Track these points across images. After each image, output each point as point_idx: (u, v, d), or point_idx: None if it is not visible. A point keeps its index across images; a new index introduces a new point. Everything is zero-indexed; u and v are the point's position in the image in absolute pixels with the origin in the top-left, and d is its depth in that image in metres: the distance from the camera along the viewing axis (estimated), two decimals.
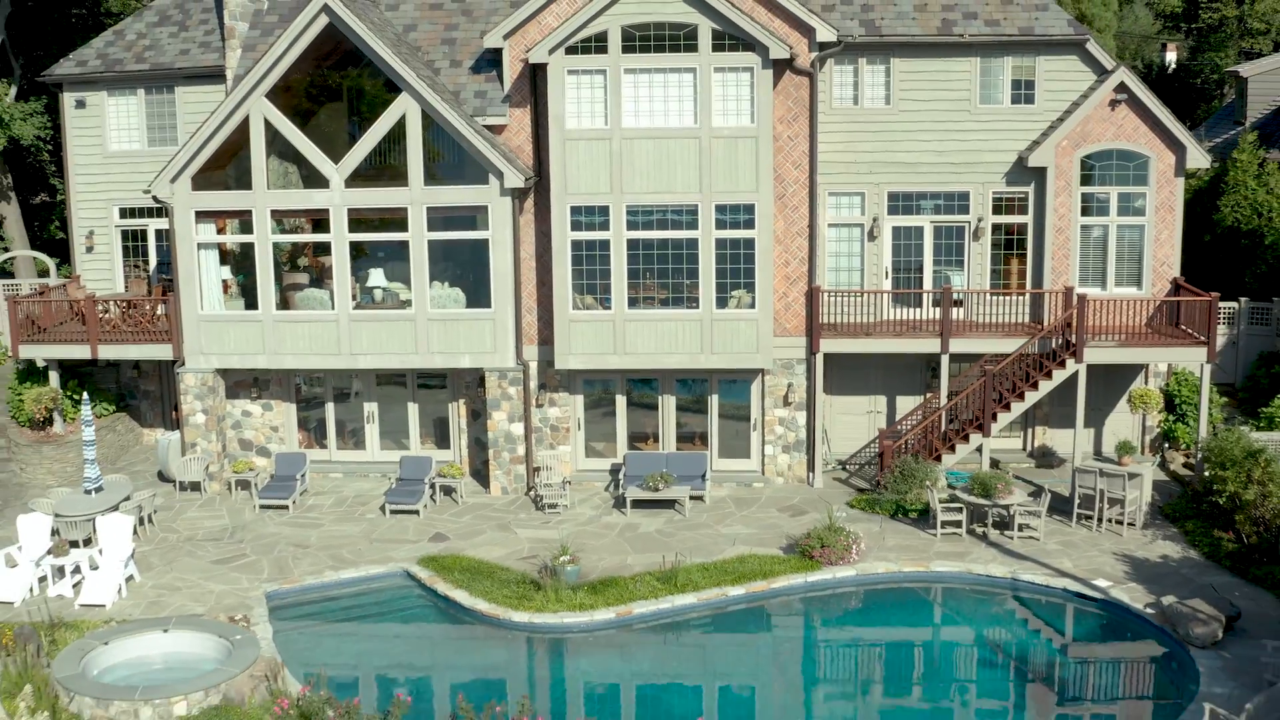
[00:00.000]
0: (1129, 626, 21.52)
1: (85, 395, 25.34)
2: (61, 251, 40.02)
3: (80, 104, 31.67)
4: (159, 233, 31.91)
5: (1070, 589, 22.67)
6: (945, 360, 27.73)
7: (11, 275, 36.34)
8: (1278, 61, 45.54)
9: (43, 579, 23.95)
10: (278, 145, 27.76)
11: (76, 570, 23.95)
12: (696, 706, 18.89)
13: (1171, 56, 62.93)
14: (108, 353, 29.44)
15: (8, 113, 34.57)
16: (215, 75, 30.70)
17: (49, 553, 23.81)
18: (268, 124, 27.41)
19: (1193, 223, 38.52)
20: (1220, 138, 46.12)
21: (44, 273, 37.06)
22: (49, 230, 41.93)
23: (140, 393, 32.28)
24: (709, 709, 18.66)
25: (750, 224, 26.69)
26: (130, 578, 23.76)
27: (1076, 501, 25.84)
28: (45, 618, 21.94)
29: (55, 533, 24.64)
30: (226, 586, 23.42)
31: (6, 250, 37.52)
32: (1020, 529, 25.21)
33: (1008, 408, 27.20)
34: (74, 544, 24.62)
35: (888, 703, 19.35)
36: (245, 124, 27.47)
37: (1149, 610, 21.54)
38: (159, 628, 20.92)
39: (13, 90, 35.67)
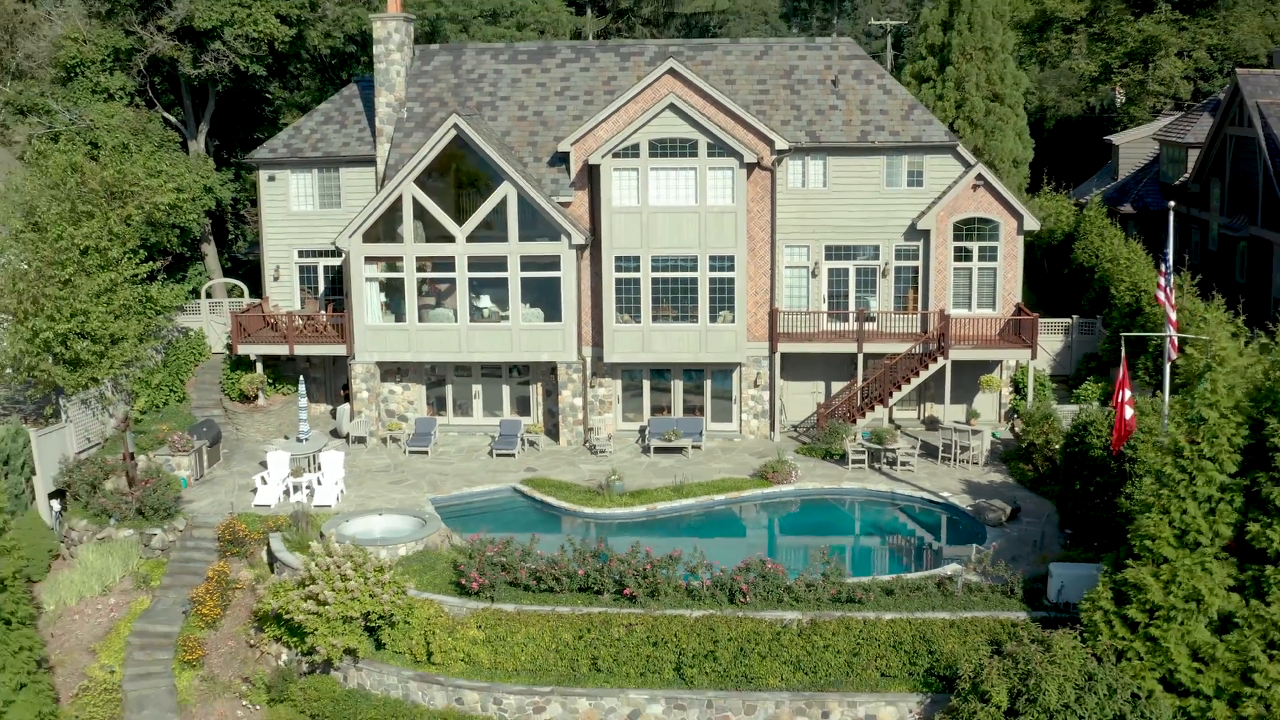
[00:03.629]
0: (955, 515, 35.77)
1: (301, 378, 39.63)
2: (250, 279, 53.90)
3: (271, 178, 45.93)
4: (327, 268, 46.17)
5: (926, 497, 36.90)
6: (861, 358, 41.95)
7: (210, 296, 50.45)
8: (1141, 133, 59.83)
9: (285, 492, 38.06)
10: (417, 211, 41.96)
11: (308, 486, 38.09)
12: (692, 552, 32.98)
13: (1121, 96, 76.18)
14: (301, 350, 43.74)
15: (213, 181, 48.83)
16: (366, 161, 44.95)
17: (291, 474, 38.07)
18: (414, 200, 41.65)
19: (1057, 259, 52.80)
20: (1101, 189, 60.41)
21: (237, 294, 51.20)
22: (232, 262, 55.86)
23: (310, 378, 46.43)
24: (702, 552, 32.62)
25: (731, 268, 40.90)
26: (341, 491, 37.92)
27: (941, 448, 40.04)
28: (291, 513, 36.08)
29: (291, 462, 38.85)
30: (402, 496, 37.65)
31: (209, 279, 51.70)
32: (902, 464, 39.37)
33: (899, 388, 41.42)
34: (303, 470, 38.81)
35: (812, 550, 33.43)
36: (399, 200, 41.69)
37: (968, 507, 35.76)
38: (374, 513, 35.23)
39: (211, 164, 49.84)
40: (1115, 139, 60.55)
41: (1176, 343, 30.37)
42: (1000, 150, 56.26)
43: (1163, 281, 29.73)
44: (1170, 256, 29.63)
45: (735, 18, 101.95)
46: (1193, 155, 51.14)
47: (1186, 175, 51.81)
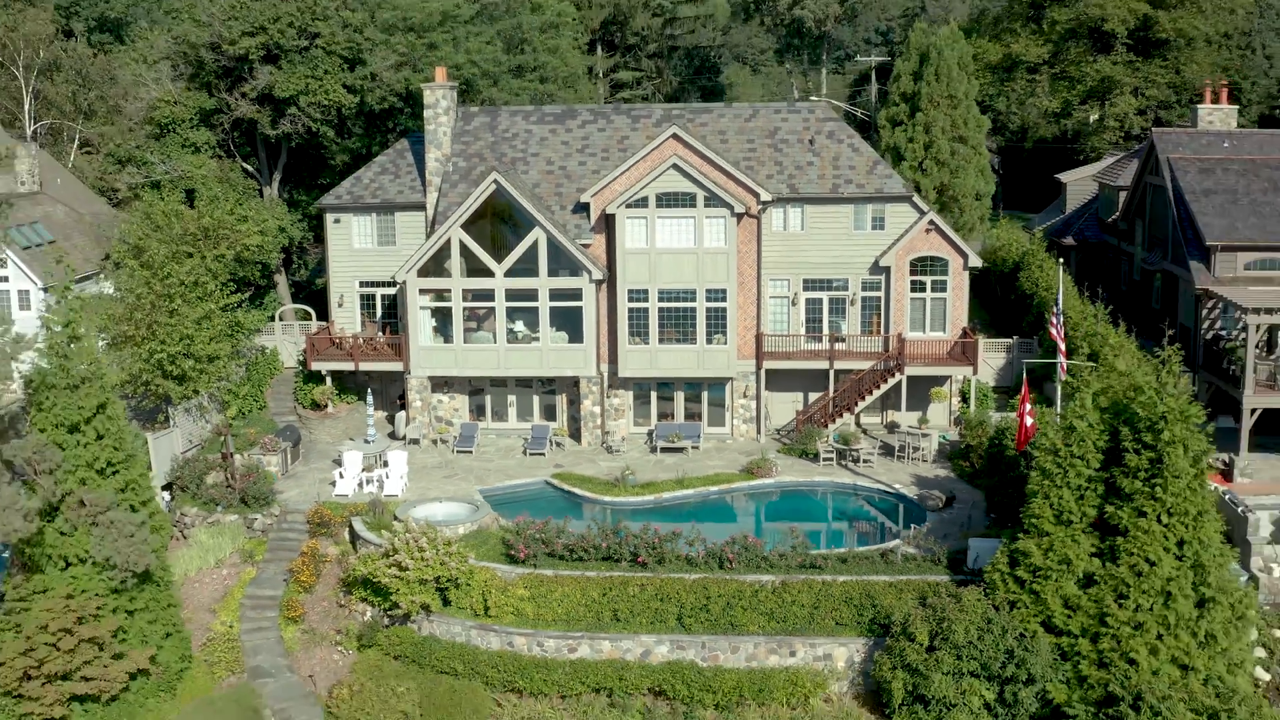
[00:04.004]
0: (904, 502, 44.19)
1: (370, 390, 48.10)
2: (311, 301, 62.20)
3: (336, 220, 54.38)
4: (383, 296, 54.63)
5: (881, 488, 45.34)
6: (832, 373, 50.38)
7: (283, 319, 58.93)
8: (1085, 173, 68.14)
9: (359, 484, 46.46)
10: (462, 250, 50.40)
11: (378, 480, 46.48)
12: (690, 531, 41.39)
13: (1095, 117, 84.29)
14: (365, 367, 52.24)
15: (285, 222, 57.34)
16: (418, 207, 53.38)
17: (364, 469, 46.55)
18: (461, 242, 50.07)
19: (1007, 284, 61.19)
20: (1049, 221, 68.74)
21: (302, 316, 59.68)
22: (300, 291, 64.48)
23: (368, 389, 54.84)
24: (698, 531, 40.89)
25: (724, 299, 49.32)
26: (405, 483, 46.35)
27: (897, 448, 48.45)
28: (368, 501, 44.53)
29: (363, 459, 47.33)
30: (454, 487, 46.12)
31: (281, 304, 60.26)
32: (864, 461, 47.77)
33: (863, 398, 49.85)
34: (373, 466, 47.25)
35: (786, 530, 41.82)
36: (448, 242, 50.12)
37: (914, 496, 44.18)
38: (435, 501, 43.71)
39: (284, 207, 58.35)
40: (1064, 177, 68.93)
41: (1065, 367, 38.78)
42: (964, 186, 64.79)
43: (1055, 319, 38.15)
44: (1060, 301, 38.04)
45: (731, 50, 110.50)
46: (1123, 196, 59.43)
47: (1117, 214, 60.14)
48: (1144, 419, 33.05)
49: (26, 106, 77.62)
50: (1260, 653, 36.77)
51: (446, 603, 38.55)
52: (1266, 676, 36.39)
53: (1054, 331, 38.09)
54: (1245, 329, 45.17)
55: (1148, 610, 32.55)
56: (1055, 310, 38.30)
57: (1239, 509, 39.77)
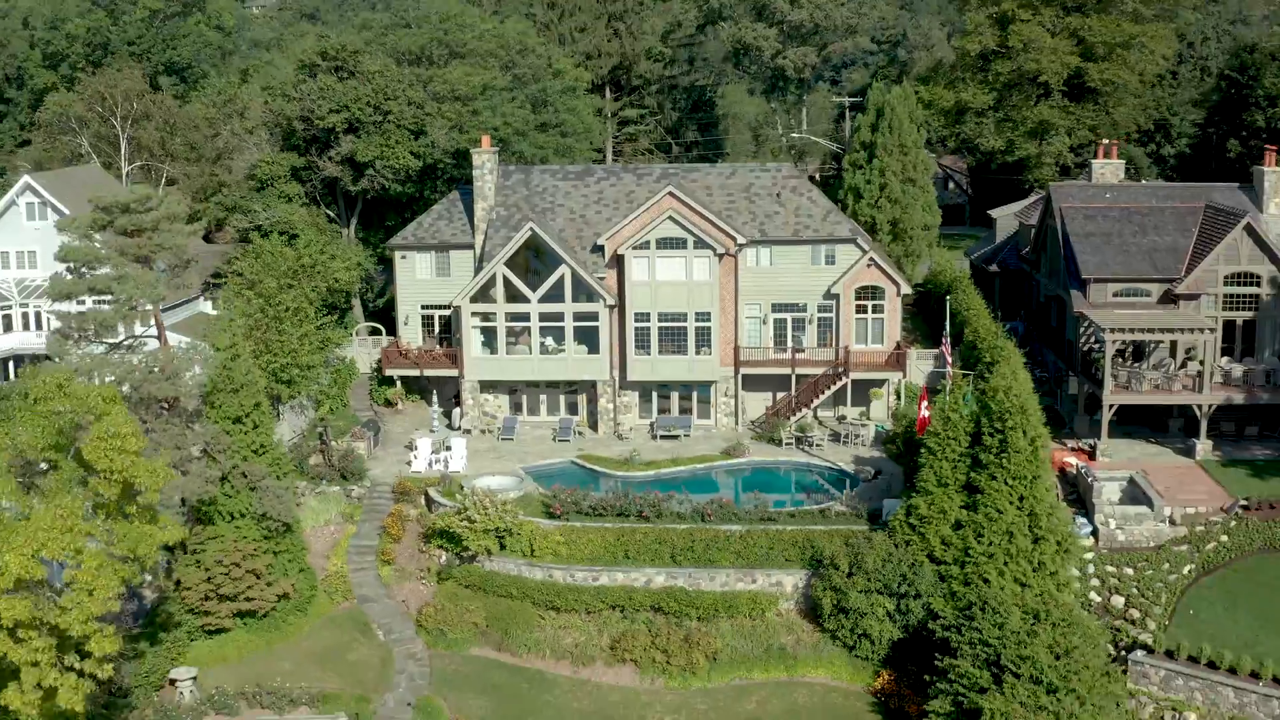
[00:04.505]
0: (843, 475, 58.45)
1: (435, 392, 62.39)
2: (377, 318, 76.35)
3: (403, 256, 68.64)
4: (440, 317, 68.89)
5: (827, 465, 59.59)
6: (794, 377, 64.60)
7: (358, 334, 73.21)
8: (1010, 210, 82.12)
9: (429, 464, 60.65)
10: (504, 282, 64.62)
11: (444, 460, 60.65)
12: (682, 495, 55.48)
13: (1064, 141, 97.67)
14: (429, 373, 66.53)
15: (361, 258, 71.73)
16: (467, 246, 67.60)
17: (433, 452, 60.86)
18: (503, 276, 64.30)
19: (941, 303, 75.26)
20: (980, 250, 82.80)
21: (375, 333, 73.92)
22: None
23: (427, 391, 69.00)
24: (688, 496, 54.89)
25: (709, 320, 63.56)
26: (465, 462, 60.55)
27: (843, 435, 62.66)
28: (438, 475, 58.77)
29: (432, 445, 61.62)
30: (502, 465, 60.41)
31: (356, 322, 74.63)
32: (816, 446, 61.97)
33: (818, 396, 64.05)
34: (440, 449, 61.49)
35: (755, 495, 55.95)
36: (494, 276, 64.34)
37: (852, 470, 58.43)
38: (489, 475, 58.02)
39: (360, 245, 72.80)
40: (994, 213, 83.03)
41: (951, 375, 52.99)
42: (912, 220, 78.88)
43: (945, 340, 52.31)
44: (948, 326, 52.17)
45: (724, 87, 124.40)
46: (1033, 233, 73.43)
47: (1028, 248, 74.24)
48: (996, 412, 47.27)
49: (123, 151, 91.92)
50: (1095, 582, 50.90)
51: (503, 547, 52.80)
52: (1097, 599, 50.49)
53: (945, 347, 52.26)
54: (1106, 344, 59.27)
55: (997, 545, 46.77)
56: (945, 333, 52.45)
57: (1089, 479, 54.05)
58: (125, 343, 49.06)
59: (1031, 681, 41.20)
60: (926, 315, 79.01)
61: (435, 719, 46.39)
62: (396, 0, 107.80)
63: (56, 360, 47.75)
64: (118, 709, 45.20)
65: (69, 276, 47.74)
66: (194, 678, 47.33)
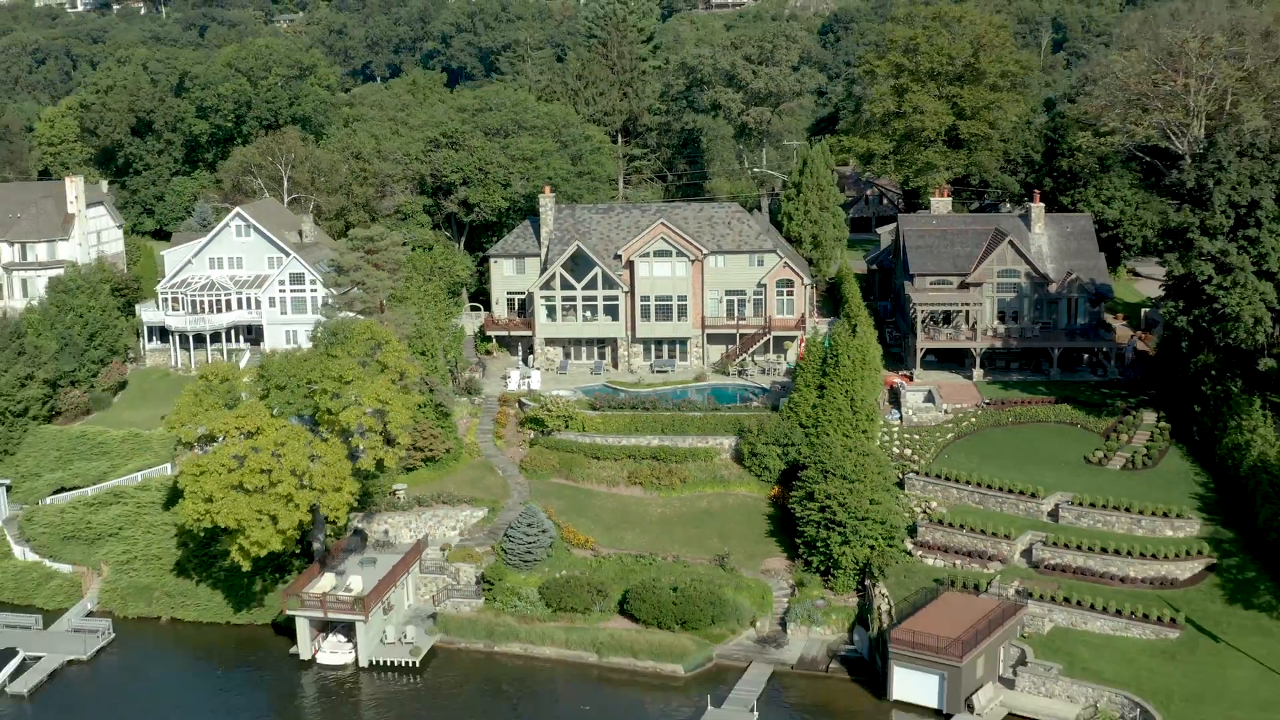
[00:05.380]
0: (764, 391, 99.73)
1: (520, 345, 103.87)
2: (474, 298, 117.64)
3: (496, 261, 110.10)
4: (520, 300, 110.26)
5: (757, 386, 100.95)
6: (738, 335, 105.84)
7: (464, 309, 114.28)
8: (889, 228, 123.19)
9: (518, 385, 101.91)
10: (560, 278, 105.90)
11: (529, 383, 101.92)
12: (667, 400, 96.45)
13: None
14: (514, 334, 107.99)
15: (469, 263, 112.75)
16: (535, 255, 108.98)
17: (521, 379, 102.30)
18: (560, 274, 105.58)
19: (841, 289, 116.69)
20: (874, 254, 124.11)
21: (475, 310, 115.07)
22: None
23: (511, 345, 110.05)
24: (671, 400, 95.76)
25: (686, 301, 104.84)
26: (540, 385, 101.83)
27: (769, 370, 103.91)
28: (526, 391, 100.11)
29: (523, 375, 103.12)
30: (562, 387, 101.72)
31: (466, 306, 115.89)
32: (750, 376, 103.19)
33: (751, 346, 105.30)
34: (526, 377, 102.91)
35: (711, 401, 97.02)
36: (554, 275, 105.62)
37: (770, 388, 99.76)
38: (557, 391, 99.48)
39: (467, 254, 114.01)
40: (879, 230, 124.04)
41: (803, 340, 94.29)
42: (826, 234, 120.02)
43: (814, 311, 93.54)
44: (814, 301, 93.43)
45: (713, 131, 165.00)
46: (894, 243, 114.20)
47: (893, 254, 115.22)
48: (831, 348, 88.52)
49: (284, 186, 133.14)
50: (899, 443, 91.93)
51: (567, 427, 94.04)
52: (898, 451, 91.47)
53: (814, 318, 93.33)
54: (918, 313, 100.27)
55: (832, 417, 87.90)
56: (806, 314, 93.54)
57: (903, 390, 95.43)
58: (366, 310, 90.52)
59: (840, 477, 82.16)
60: (833, 297, 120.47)
61: (534, 512, 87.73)
62: (479, 90, 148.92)
63: (325, 319, 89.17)
64: (368, 504, 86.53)
65: (338, 275, 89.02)
66: (404, 488, 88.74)
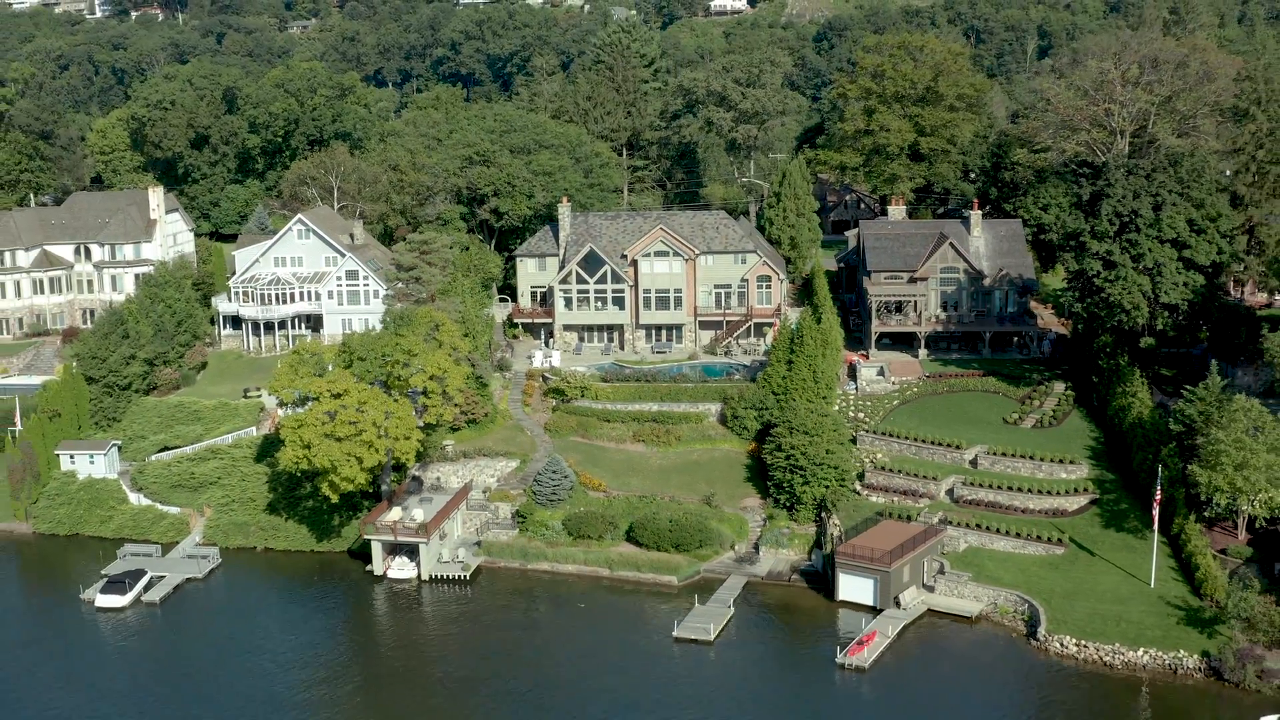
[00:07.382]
0: (745, 367, 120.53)
1: (543, 330, 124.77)
2: (503, 291, 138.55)
3: (522, 260, 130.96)
4: (542, 293, 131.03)
5: (739, 364, 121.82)
6: (725, 322, 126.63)
7: (495, 300, 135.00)
8: (854, 231, 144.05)
9: (542, 363, 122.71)
10: (576, 272, 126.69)
11: (550, 360, 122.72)
12: (666, 374, 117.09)
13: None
14: (538, 321, 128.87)
15: (498, 260, 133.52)
16: (554, 254, 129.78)
17: (544, 357, 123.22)
18: (576, 270, 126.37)
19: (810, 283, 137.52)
20: (839, 251, 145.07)
21: (503, 300, 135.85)
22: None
23: (538, 330, 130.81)
24: (669, 374, 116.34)
25: (681, 293, 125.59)
26: (559, 362, 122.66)
27: (751, 350, 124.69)
28: (547, 367, 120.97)
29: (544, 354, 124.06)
30: (578, 364, 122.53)
31: (496, 297, 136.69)
32: (734, 355, 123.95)
33: (735, 331, 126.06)
34: (549, 356, 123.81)
35: (701, 375, 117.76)
36: (571, 271, 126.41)
37: (750, 364, 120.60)
38: (575, 368, 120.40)
39: (497, 253, 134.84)
40: (848, 233, 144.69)
41: (779, 325, 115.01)
42: (803, 236, 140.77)
43: (784, 303, 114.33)
44: (785, 297, 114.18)
45: (708, 142, 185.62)
46: (857, 244, 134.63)
47: (858, 254, 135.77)
48: (797, 334, 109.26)
49: (334, 194, 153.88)
50: (854, 408, 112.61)
51: (582, 396, 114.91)
52: (854, 415, 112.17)
53: (787, 307, 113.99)
54: (873, 303, 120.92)
55: (799, 385, 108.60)
56: (781, 304, 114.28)
57: (860, 366, 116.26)
58: (423, 299, 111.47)
59: (802, 433, 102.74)
60: (808, 290, 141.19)
61: (557, 463, 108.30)
62: (500, 109, 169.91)
63: (387, 307, 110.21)
64: (424, 455, 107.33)
65: (398, 271, 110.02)
66: (452, 444, 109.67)
